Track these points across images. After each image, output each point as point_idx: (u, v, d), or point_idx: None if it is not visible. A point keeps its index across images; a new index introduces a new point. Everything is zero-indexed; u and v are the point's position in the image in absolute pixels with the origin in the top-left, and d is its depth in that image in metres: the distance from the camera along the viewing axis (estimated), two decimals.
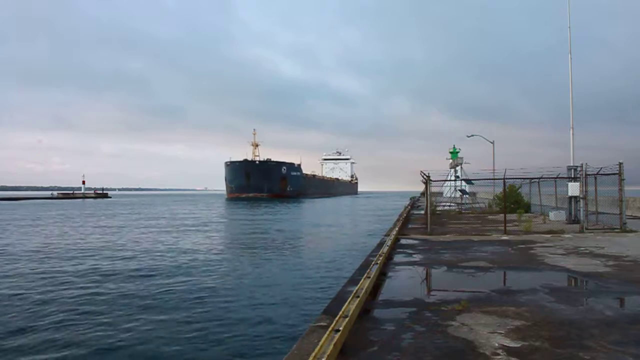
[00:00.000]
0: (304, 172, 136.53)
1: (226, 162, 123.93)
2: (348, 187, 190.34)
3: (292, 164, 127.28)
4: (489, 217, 25.67)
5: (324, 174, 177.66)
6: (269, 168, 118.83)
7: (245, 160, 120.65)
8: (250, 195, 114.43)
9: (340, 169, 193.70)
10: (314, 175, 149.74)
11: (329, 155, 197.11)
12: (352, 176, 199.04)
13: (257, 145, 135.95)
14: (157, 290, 12.38)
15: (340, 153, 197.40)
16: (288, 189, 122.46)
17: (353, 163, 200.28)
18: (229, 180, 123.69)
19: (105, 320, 9.61)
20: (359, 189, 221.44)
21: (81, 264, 16.80)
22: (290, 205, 74.34)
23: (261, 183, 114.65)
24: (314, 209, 64.51)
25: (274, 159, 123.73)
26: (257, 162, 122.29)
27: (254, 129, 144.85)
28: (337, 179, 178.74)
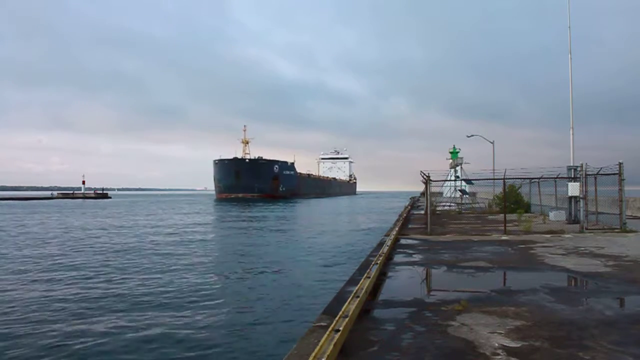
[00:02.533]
0: (299, 171, 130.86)
1: (215, 161, 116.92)
2: (346, 187, 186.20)
3: (285, 163, 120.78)
4: (489, 217, 25.67)
5: (322, 174, 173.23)
6: (259, 166, 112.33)
7: (235, 159, 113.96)
8: (240, 195, 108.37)
9: (339, 168, 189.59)
10: (309, 175, 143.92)
11: (327, 154, 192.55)
12: (350, 176, 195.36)
13: (247, 142, 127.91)
14: (147, 291, 12.38)
15: (338, 152, 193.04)
16: (280, 189, 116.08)
17: (351, 162, 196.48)
18: (217, 180, 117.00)
19: None
20: (358, 189, 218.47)
21: None
22: (281, 206, 70.64)
23: (251, 182, 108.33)
24: (306, 210, 62.40)
25: (271, 158, 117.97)
26: (247, 160, 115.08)
27: (244, 125, 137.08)
28: (334, 178, 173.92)
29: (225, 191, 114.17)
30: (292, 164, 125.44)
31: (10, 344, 8.22)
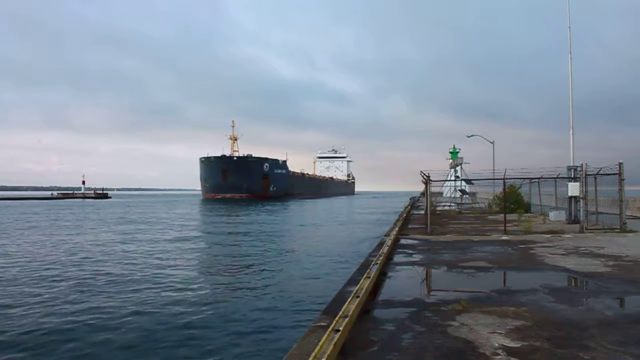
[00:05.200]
0: (294, 170, 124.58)
1: (201, 158, 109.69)
2: (344, 187, 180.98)
3: (276, 161, 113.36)
4: (489, 217, 25.67)
5: (319, 173, 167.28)
6: (248, 165, 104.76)
7: (223, 156, 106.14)
8: (227, 195, 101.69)
9: (336, 167, 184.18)
10: (303, 174, 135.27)
11: (324, 153, 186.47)
12: (348, 175, 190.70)
13: (235, 139, 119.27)
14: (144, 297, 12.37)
15: (336, 151, 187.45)
16: (271, 189, 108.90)
17: (350, 162, 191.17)
18: (204, 179, 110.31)
19: None
20: (357, 189, 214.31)
21: None
22: (268, 209, 60.86)
23: (239, 182, 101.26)
24: (296, 213, 55.16)
25: (261, 156, 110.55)
26: (235, 157, 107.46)
27: (232, 120, 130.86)
28: (331, 178, 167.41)
29: (211, 191, 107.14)
30: (284, 162, 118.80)
31: None
